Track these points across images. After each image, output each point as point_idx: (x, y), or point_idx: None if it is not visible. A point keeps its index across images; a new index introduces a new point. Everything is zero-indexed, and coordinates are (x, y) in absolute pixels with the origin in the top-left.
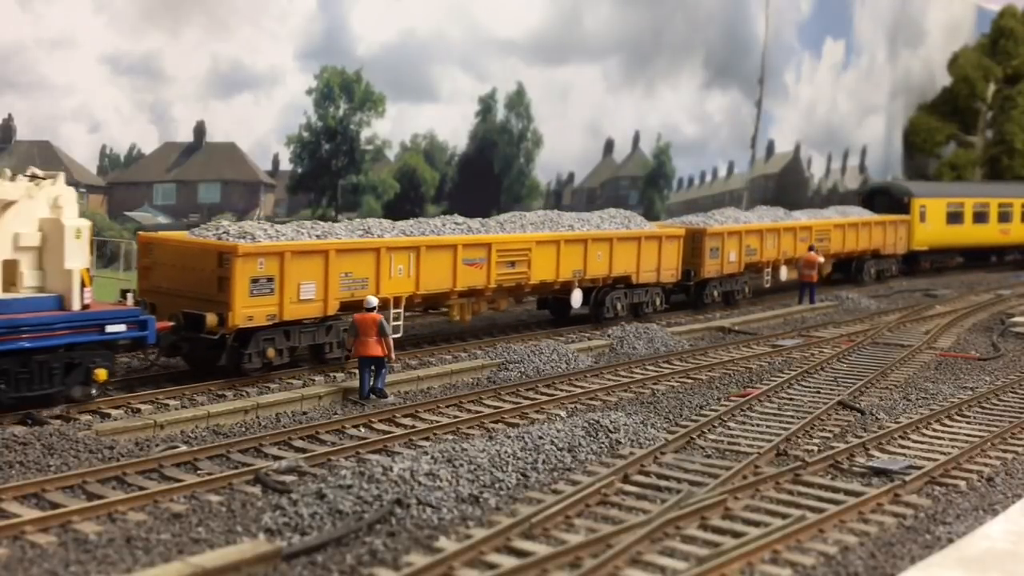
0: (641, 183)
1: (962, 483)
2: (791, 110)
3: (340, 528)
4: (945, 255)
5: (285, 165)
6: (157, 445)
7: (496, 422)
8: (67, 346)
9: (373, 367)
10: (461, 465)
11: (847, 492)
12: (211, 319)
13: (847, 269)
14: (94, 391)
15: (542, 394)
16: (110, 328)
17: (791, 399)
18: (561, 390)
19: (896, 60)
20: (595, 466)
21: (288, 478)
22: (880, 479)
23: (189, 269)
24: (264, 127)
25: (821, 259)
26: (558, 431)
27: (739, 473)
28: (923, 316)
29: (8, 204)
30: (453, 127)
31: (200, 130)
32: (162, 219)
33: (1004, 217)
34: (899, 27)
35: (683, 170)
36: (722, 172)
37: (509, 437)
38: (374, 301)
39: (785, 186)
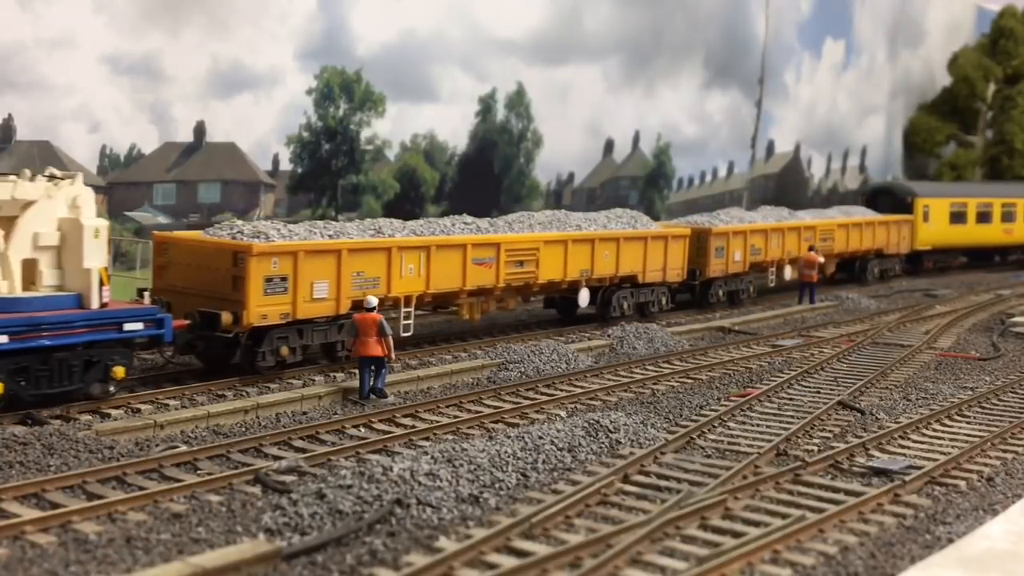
0: (641, 183)
1: (962, 483)
2: (791, 110)
3: (340, 528)
4: (948, 255)
5: (285, 165)
6: (157, 445)
7: (496, 422)
8: (86, 344)
9: (373, 367)
10: (461, 465)
11: (847, 492)
12: (226, 317)
13: (851, 269)
14: (112, 388)
15: (542, 394)
16: (128, 326)
17: (791, 399)
18: (561, 390)
19: (896, 60)
20: (595, 466)
21: (288, 478)
22: (880, 479)
23: (204, 268)
24: (264, 127)
25: (821, 259)
26: (558, 431)
27: (739, 473)
28: (923, 316)
29: (28, 204)
30: (453, 127)
31: (200, 130)
32: (162, 219)
33: (1007, 217)
34: (899, 27)
35: (683, 170)
36: (722, 172)
37: (509, 437)
38: (374, 301)
39: (785, 186)
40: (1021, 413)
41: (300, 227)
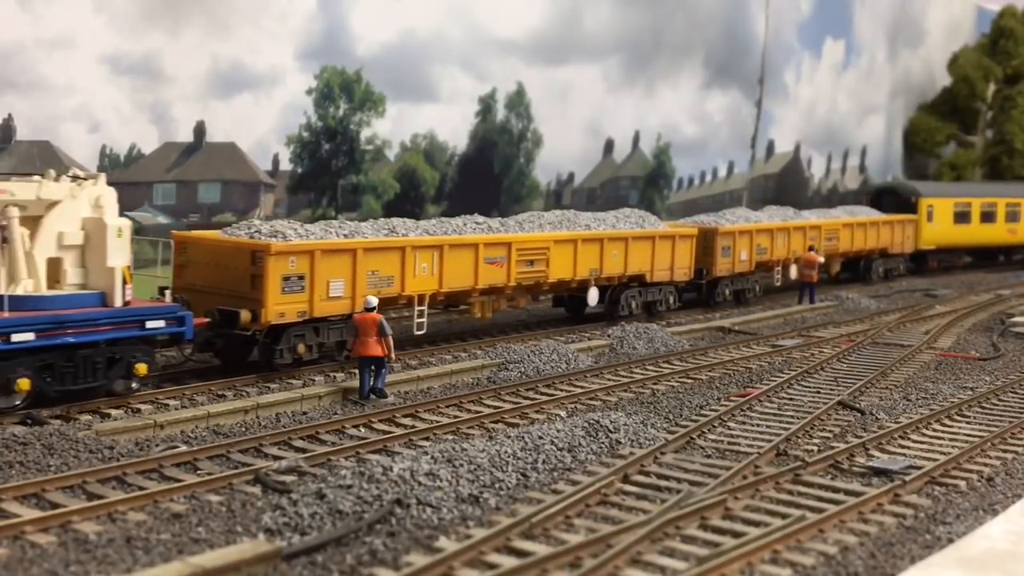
0: (641, 183)
1: (962, 483)
2: (791, 110)
3: (340, 528)
4: (952, 254)
5: (285, 165)
6: (157, 445)
7: (496, 422)
8: (109, 341)
9: (373, 367)
10: (461, 465)
11: (847, 492)
12: (245, 316)
13: (855, 268)
14: (135, 385)
15: (542, 394)
16: (150, 324)
17: (791, 399)
18: (561, 390)
19: (896, 60)
20: (595, 466)
21: (288, 478)
22: (880, 479)
23: (223, 267)
24: (264, 127)
25: (821, 259)
26: (558, 431)
27: (739, 473)
28: (923, 316)
29: (53, 204)
30: (453, 127)
31: (200, 130)
32: (162, 219)
33: (1012, 217)
34: (899, 27)
35: (683, 170)
36: (722, 172)
37: (509, 437)
38: (374, 301)
39: (785, 186)
40: (1021, 413)
41: (316, 227)
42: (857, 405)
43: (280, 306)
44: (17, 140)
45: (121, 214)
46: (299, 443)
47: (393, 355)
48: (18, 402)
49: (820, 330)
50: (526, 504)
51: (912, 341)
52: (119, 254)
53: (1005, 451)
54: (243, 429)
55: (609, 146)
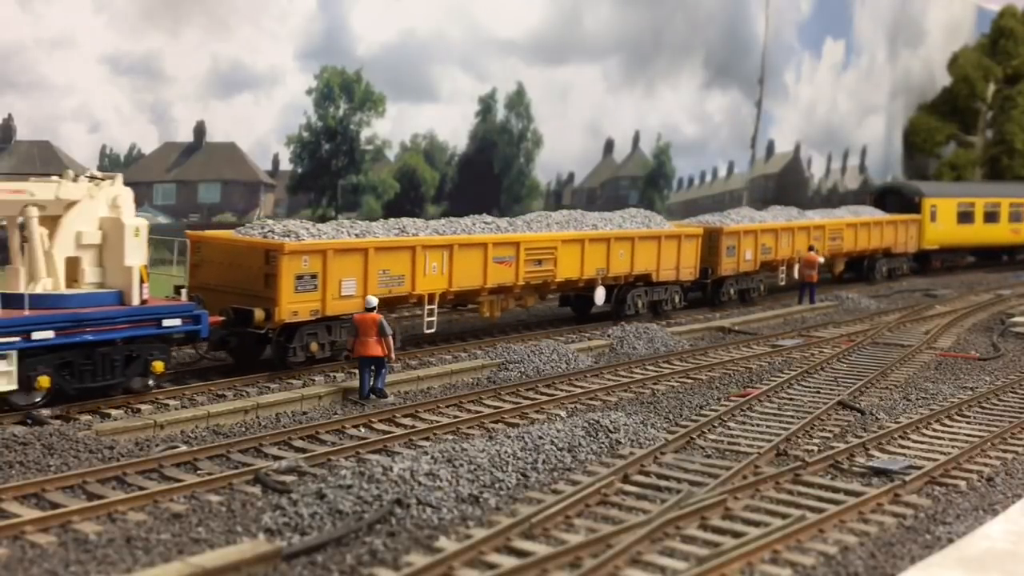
0: (641, 183)
1: (962, 483)
2: (791, 110)
3: (340, 528)
4: (956, 254)
5: (285, 165)
6: (157, 445)
7: (496, 422)
8: (127, 339)
9: (373, 367)
10: (461, 465)
11: (847, 492)
12: (259, 314)
13: (859, 268)
14: (151, 382)
15: (542, 394)
16: (167, 322)
17: (791, 399)
18: (561, 390)
19: (896, 60)
20: (595, 466)
21: (288, 478)
22: (880, 479)
23: (237, 266)
24: (264, 127)
25: (821, 259)
26: (558, 431)
27: (739, 473)
28: (923, 316)
29: (71, 204)
30: (453, 127)
31: (200, 130)
32: (162, 219)
33: (1015, 217)
34: (899, 27)
35: (683, 170)
36: (722, 172)
37: (509, 437)
38: (374, 301)
39: (785, 186)
40: (1021, 413)
41: (328, 226)
42: (857, 405)
43: (293, 305)
44: (17, 140)
45: None
46: (299, 443)
47: (393, 355)
48: (38, 399)
49: (820, 330)
50: (526, 504)
51: (912, 341)
52: (136, 253)
53: (1005, 451)
54: (243, 429)
55: (609, 146)
